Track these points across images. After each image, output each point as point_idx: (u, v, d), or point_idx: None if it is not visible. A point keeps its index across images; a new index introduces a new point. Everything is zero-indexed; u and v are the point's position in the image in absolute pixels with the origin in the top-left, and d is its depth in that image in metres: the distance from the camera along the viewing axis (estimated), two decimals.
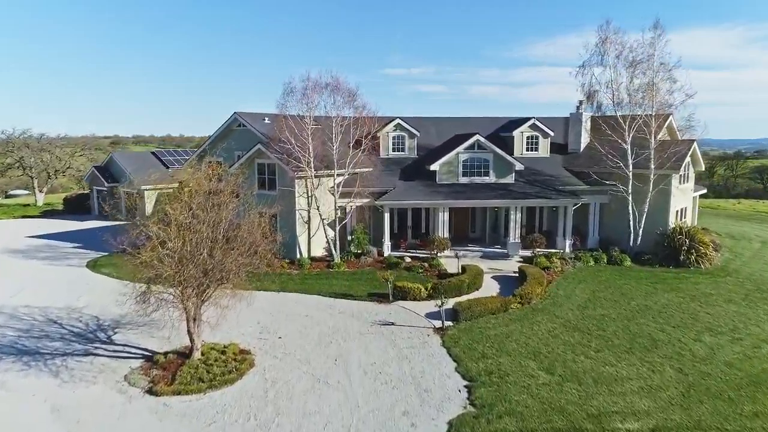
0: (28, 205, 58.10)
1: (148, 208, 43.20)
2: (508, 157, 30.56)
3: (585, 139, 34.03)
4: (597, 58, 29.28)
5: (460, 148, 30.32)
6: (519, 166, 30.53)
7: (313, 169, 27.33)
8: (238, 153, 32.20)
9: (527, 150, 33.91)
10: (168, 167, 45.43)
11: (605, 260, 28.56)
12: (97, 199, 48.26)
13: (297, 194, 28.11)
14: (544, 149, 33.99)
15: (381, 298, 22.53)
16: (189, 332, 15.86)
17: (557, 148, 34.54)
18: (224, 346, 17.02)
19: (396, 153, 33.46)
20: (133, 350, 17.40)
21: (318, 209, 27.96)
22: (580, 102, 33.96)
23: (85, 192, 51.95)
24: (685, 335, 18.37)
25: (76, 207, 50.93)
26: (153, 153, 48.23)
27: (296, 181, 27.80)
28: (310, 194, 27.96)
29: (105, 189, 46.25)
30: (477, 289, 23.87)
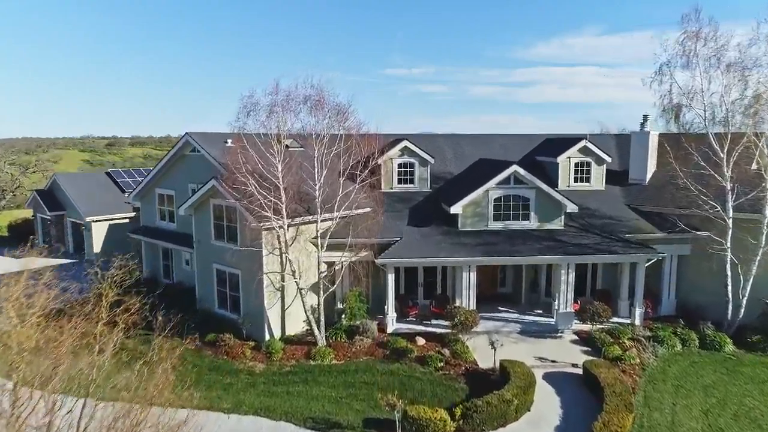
0: None
1: (96, 243, 35.17)
2: (557, 195, 22.39)
3: (651, 166, 25.88)
4: (681, 59, 21.16)
5: (491, 183, 22.16)
6: (572, 207, 22.37)
7: (286, 218, 19.20)
8: (193, 186, 24.13)
9: (575, 181, 25.76)
10: (125, 191, 37.36)
11: (696, 342, 20.45)
12: (42, 230, 40.20)
13: (264, 251, 19.98)
14: (597, 180, 25.83)
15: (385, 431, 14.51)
16: None
17: (613, 176, 26.38)
18: None
19: (403, 186, 25.30)
20: None
21: (294, 274, 19.81)
22: (645, 118, 25.84)
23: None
24: None
25: (23, 235, 42.76)
26: (108, 174, 40.22)
27: (263, 233, 19.67)
28: (283, 250, 19.79)
29: (48, 217, 38.22)
30: (528, 410, 15.82)
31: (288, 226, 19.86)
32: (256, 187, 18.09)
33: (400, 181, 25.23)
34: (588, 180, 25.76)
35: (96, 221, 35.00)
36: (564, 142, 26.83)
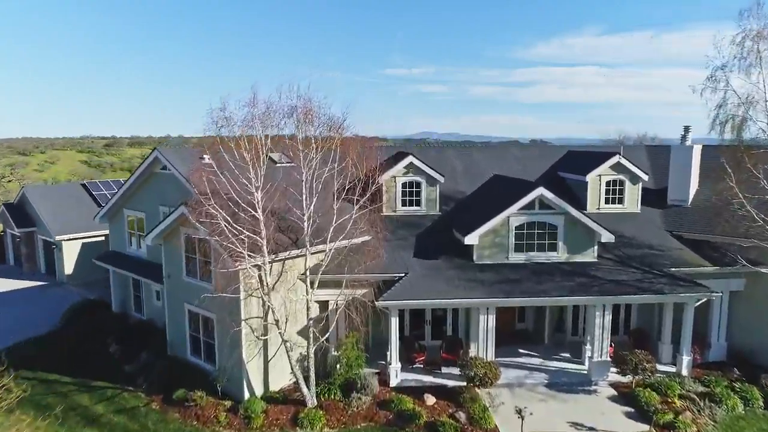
0: None
1: (68, 264, 31.84)
2: (590, 222, 19.00)
3: (694, 185, 22.51)
4: (740, 62, 17.78)
5: (513, 209, 18.76)
6: (607, 237, 18.98)
7: (267, 255, 15.82)
8: (165, 209, 20.81)
9: (607, 202, 22.39)
10: (102, 205, 33.96)
11: (760, 401, 17.13)
12: (12, 247, 36.85)
13: (242, 294, 16.61)
14: (632, 201, 22.44)
15: None
16: None
17: (647, 196, 22.98)
18: None
19: (408, 209, 21.89)
20: None
21: (278, 323, 16.44)
22: (687, 129, 22.50)
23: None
24: None
25: None
26: (84, 185, 36.81)
27: (240, 273, 16.28)
28: (265, 293, 16.40)
29: (18, 234, 34.85)
30: None
31: (272, 263, 16.53)
32: (228, 223, 14.71)
33: (405, 203, 21.83)
34: (621, 201, 22.37)
35: (67, 240, 31.66)
36: (591, 157, 23.48)
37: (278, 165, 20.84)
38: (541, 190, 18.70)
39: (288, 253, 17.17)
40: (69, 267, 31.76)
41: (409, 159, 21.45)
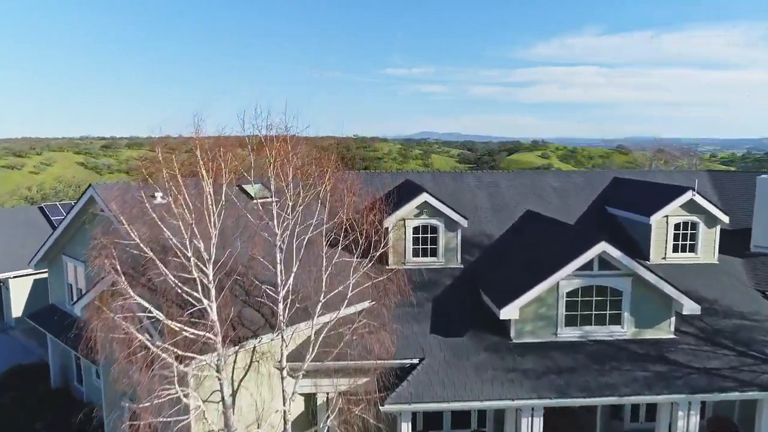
0: None
1: (17, 306, 27.04)
2: (668, 287, 14.10)
3: None
4: None
5: (564, 271, 13.89)
6: (690, 308, 14.13)
7: (222, 344, 11.01)
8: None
9: (675, 250, 17.55)
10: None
11: None
12: None
13: (193, 396, 11.77)
14: (708, 248, 17.60)
15: None
16: None
17: (722, 239, 18.12)
18: None
19: (422, 260, 17.03)
20: None
21: None
22: None
23: None
24: None
25: None
26: (42, 209, 32.04)
27: (189, 369, 11.43)
28: (224, 397, 11.54)
29: None
30: None
31: (235, 352, 11.76)
32: (152, 317, 9.93)
33: (417, 253, 16.99)
34: (693, 249, 17.54)
35: (15, 277, 26.85)
36: (649, 191, 18.70)
37: (257, 200, 16.03)
38: (603, 246, 13.86)
39: (258, 339, 12.36)
40: (17, 309, 26.92)
41: (423, 197, 16.59)
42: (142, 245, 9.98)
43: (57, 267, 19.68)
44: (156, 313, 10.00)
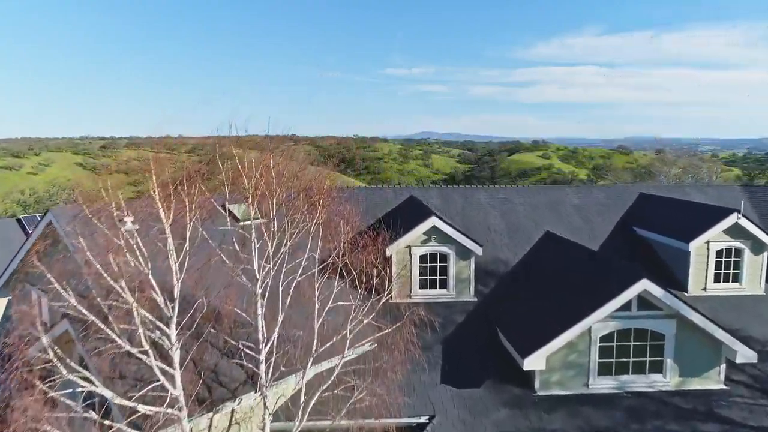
0: None
1: None
2: (718, 331, 12.07)
3: None
4: None
5: (602, 313, 11.85)
6: (746, 355, 12.10)
7: (185, 410, 8.99)
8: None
9: (717, 280, 15.51)
10: None
11: None
12: None
13: None
14: (753, 278, 15.56)
15: None
16: None
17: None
18: None
19: (429, 293, 14.93)
20: None
21: None
22: None
23: None
24: None
25: None
26: (20, 221, 30.01)
27: None
28: None
29: None
30: None
31: (210, 419, 9.75)
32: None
33: (424, 284, 14.93)
34: (737, 279, 15.50)
35: None
36: (682, 209, 16.69)
37: (243, 223, 13.97)
38: (644, 284, 11.83)
39: (238, 402, 10.33)
40: None
41: (431, 221, 14.51)
42: (78, 306, 7.94)
43: (23, 296, 17.62)
44: (102, 390, 7.96)
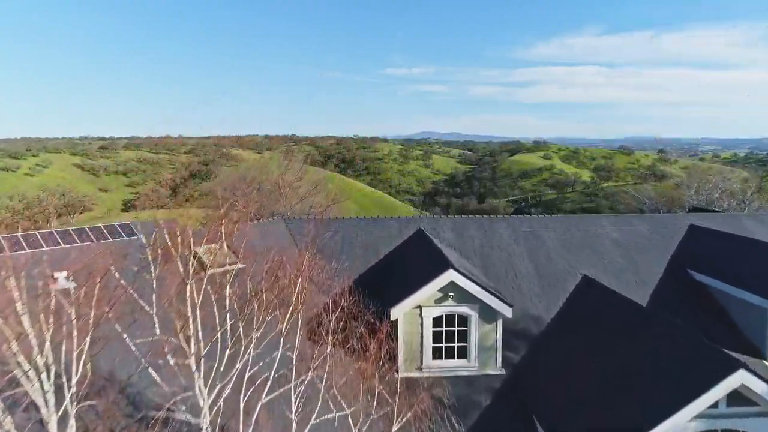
0: None
1: None
2: None
3: None
4: None
5: (685, 415, 8.81)
6: None
7: None
8: None
9: None
10: None
11: None
12: None
13: None
14: None
15: None
16: None
17: None
18: None
19: (445, 365, 11.77)
20: None
21: None
22: None
23: None
24: None
25: None
26: (2, 239, 26.87)
27: None
28: None
29: None
30: None
31: None
32: None
33: (438, 354, 11.83)
34: None
35: None
36: (753, 251, 13.63)
37: (211, 272, 10.78)
38: (741, 377, 8.79)
39: None
40: None
41: (448, 275, 11.36)
42: None
43: None
44: None
